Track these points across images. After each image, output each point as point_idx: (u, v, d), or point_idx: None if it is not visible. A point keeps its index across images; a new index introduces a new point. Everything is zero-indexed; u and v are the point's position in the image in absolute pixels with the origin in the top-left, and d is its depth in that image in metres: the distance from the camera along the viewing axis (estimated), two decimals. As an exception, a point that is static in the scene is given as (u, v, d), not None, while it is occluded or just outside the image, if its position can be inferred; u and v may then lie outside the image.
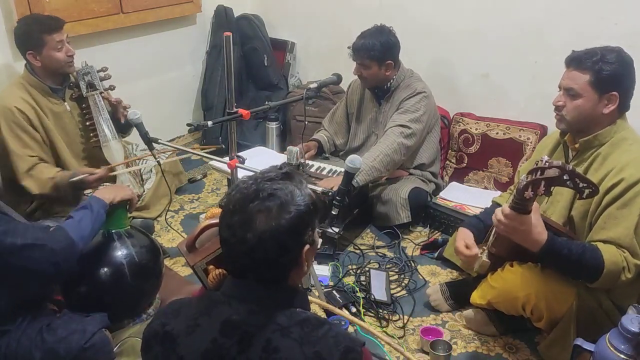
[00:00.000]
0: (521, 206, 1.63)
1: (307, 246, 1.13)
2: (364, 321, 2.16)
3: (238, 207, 1.11)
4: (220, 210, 1.49)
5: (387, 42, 2.67)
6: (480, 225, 2.09)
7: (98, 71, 2.60)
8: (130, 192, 1.99)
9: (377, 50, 2.64)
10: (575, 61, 1.82)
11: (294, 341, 1.05)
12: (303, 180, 1.17)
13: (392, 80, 2.76)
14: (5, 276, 1.59)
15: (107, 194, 1.90)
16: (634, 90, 1.83)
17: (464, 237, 2.03)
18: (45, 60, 2.42)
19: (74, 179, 2.37)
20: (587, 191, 1.52)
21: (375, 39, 2.65)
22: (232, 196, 1.14)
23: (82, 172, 2.41)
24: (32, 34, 2.40)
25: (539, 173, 1.54)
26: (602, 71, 1.76)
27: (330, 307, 1.76)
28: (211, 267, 1.35)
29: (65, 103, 2.57)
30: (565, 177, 1.51)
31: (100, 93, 2.58)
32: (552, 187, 1.55)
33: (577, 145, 1.88)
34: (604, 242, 1.74)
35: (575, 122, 1.85)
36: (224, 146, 3.41)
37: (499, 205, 2.16)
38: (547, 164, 1.53)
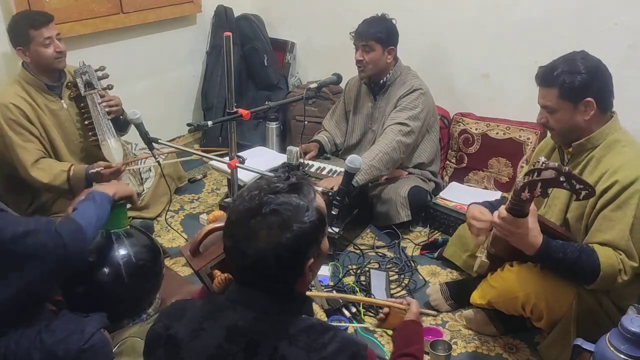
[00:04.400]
0: (518, 208, 1.63)
1: (312, 260, 1.11)
2: (364, 321, 2.16)
3: (241, 219, 1.09)
4: (222, 212, 1.48)
5: (392, 28, 2.71)
6: (491, 208, 2.06)
7: (96, 70, 2.59)
8: (130, 189, 1.98)
9: (383, 33, 2.67)
10: (541, 78, 1.85)
11: (300, 349, 1.05)
12: (312, 192, 1.13)
13: (388, 75, 2.76)
14: (15, 268, 1.52)
15: (108, 188, 1.89)
16: (611, 89, 1.83)
17: (478, 207, 2.01)
18: (34, 55, 2.41)
19: (92, 170, 2.39)
20: (583, 192, 1.52)
21: (380, 23, 2.69)
22: (237, 206, 1.11)
23: (98, 166, 2.42)
24: (19, 30, 2.40)
25: (535, 174, 1.54)
26: (566, 83, 1.77)
27: (330, 294, 1.74)
28: (216, 271, 1.33)
29: (62, 101, 2.56)
30: (561, 179, 1.51)
31: (98, 92, 2.58)
32: (549, 189, 1.55)
33: (570, 149, 1.89)
34: (600, 244, 1.74)
35: (564, 133, 1.87)
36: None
37: None
38: (543, 165, 1.53)
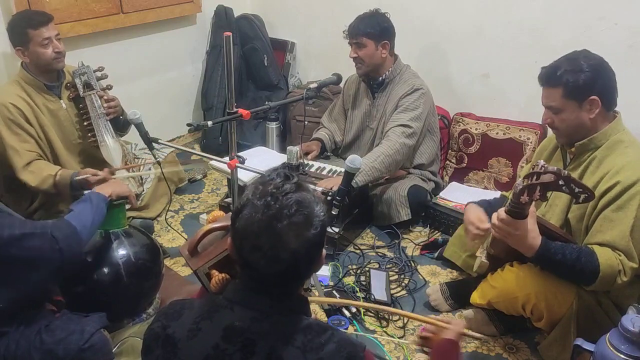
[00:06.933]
0: (518, 210, 1.63)
1: (324, 250, 1.15)
2: (364, 321, 2.16)
3: (264, 228, 1.06)
4: (222, 213, 1.49)
5: (384, 22, 2.71)
6: (489, 209, 2.06)
7: (94, 71, 2.58)
8: (128, 189, 1.98)
9: (374, 28, 2.66)
10: (544, 79, 1.84)
11: (297, 349, 1.05)
12: (310, 187, 1.17)
13: (387, 72, 2.76)
14: (8, 271, 1.55)
15: (105, 189, 1.90)
16: (615, 87, 1.82)
17: (477, 212, 2.01)
18: (33, 56, 2.40)
19: (77, 177, 2.36)
20: (582, 196, 1.52)
21: (371, 19, 2.69)
22: (252, 218, 1.07)
23: (85, 173, 2.38)
24: (18, 30, 2.39)
25: (534, 178, 1.54)
26: (570, 82, 1.76)
27: (332, 300, 1.75)
28: (214, 271, 1.34)
29: (62, 101, 2.56)
30: (560, 183, 1.51)
31: (97, 93, 2.57)
32: (548, 192, 1.56)
33: (573, 149, 1.89)
34: (600, 244, 1.74)
35: (569, 133, 1.86)
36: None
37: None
38: (542, 168, 1.53)
